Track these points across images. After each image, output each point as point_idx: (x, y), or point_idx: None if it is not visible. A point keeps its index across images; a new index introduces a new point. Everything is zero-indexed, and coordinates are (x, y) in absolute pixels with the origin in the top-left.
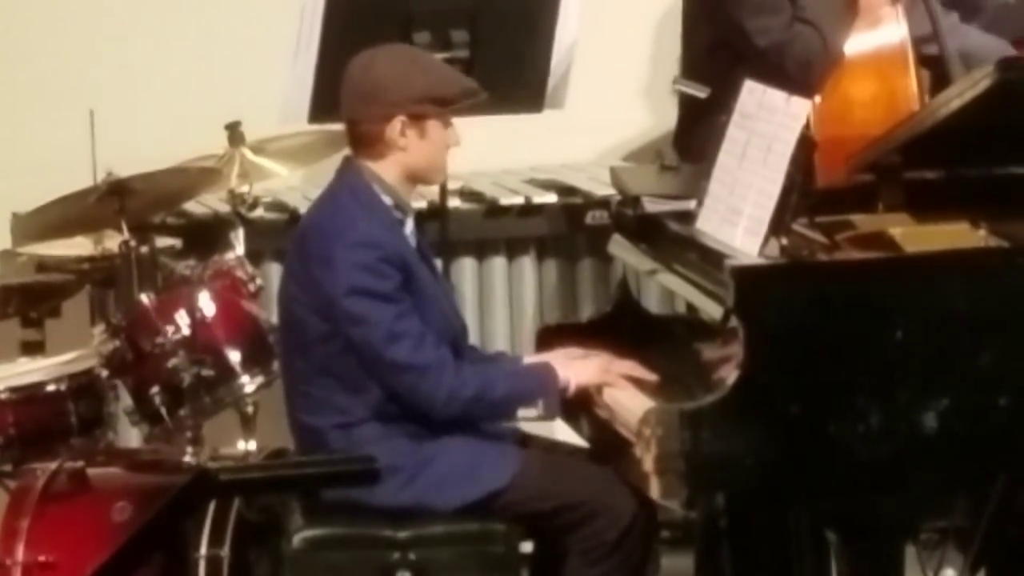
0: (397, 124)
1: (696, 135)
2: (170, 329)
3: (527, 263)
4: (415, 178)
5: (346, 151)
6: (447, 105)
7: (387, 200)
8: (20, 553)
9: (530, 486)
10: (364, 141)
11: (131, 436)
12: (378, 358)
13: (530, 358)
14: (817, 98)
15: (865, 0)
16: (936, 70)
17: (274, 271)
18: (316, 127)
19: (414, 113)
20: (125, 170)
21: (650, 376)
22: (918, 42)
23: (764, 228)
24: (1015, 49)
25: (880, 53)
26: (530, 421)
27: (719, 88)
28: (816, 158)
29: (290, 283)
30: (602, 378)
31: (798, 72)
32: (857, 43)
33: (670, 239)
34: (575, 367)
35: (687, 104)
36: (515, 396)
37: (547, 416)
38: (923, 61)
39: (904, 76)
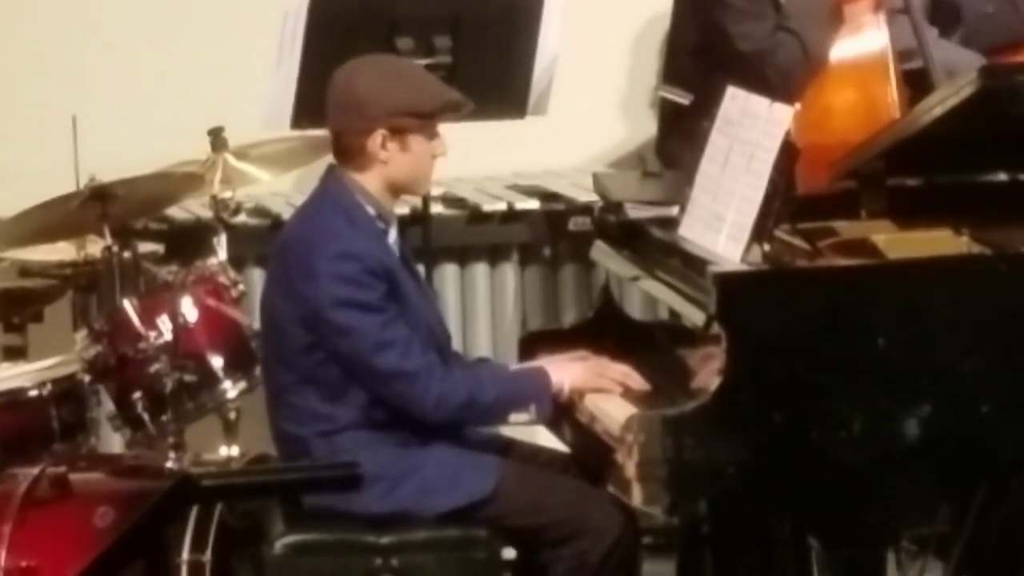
0: (378, 137)
1: (679, 141)
2: (152, 334)
3: (509, 269)
4: (398, 190)
5: (329, 158)
6: (428, 119)
7: (370, 210)
8: (2, 558)
9: (512, 499)
10: (347, 152)
11: (113, 441)
12: (367, 367)
13: (525, 364)
14: (797, 105)
15: (848, 8)
16: (919, 86)
17: (257, 276)
18: (299, 133)
19: (395, 127)
20: (108, 175)
21: (643, 382)
22: (901, 57)
23: (747, 234)
24: (990, 58)
25: (860, 60)
26: (521, 425)
27: (700, 93)
28: (797, 165)
29: (273, 293)
30: (596, 382)
31: (778, 80)
32: (838, 50)
33: (653, 245)
34: (569, 370)
35: (669, 110)
36: (506, 400)
37: (539, 420)
38: (906, 77)
39: (884, 83)
